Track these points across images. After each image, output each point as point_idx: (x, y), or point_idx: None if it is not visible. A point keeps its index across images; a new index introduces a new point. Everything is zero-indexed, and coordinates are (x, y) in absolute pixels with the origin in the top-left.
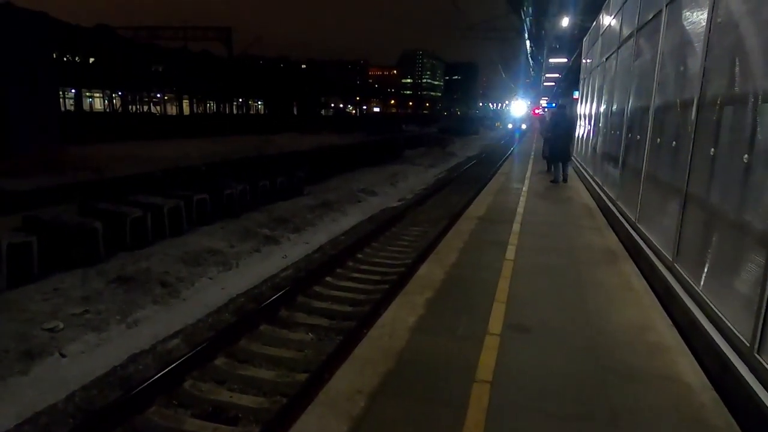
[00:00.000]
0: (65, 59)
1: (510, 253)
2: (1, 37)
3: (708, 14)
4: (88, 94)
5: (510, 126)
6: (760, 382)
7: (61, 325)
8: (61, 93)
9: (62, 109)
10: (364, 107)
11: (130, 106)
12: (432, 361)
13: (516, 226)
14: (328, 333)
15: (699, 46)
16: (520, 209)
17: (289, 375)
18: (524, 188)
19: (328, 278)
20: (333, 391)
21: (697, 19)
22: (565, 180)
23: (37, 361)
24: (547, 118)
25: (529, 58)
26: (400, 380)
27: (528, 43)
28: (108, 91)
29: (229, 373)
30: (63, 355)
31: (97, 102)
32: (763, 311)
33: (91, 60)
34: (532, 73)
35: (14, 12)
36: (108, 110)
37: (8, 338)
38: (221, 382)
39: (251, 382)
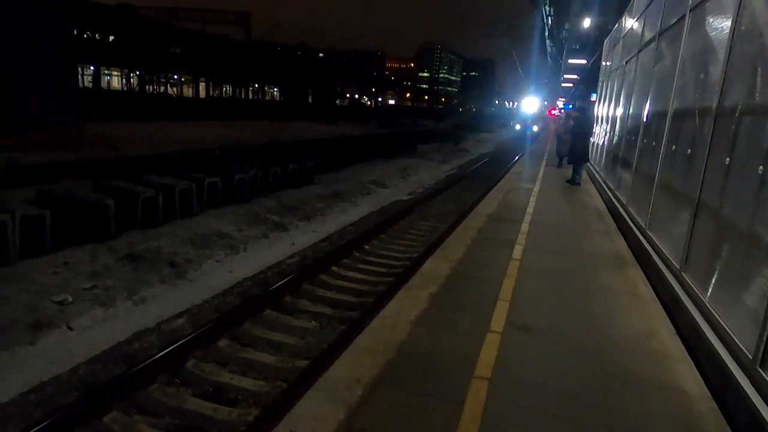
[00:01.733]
0: (85, 36)
1: (517, 252)
2: (21, 12)
3: (732, 22)
4: (106, 71)
5: (518, 127)
6: (761, 395)
7: (70, 299)
8: (79, 69)
9: (80, 85)
10: (380, 99)
11: (147, 86)
12: (432, 355)
13: (525, 226)
14: (331, 322)
15: (721, 53)
16: (529, 209)
17: (291, 361)
18: (535, 188)
19: (334, 267)
20: (332, 379)
21: (720, 26)
22: (578, 183)
23: (45, 333)
24: (563, 120)
25: (548, 57)
26: (399, 372)
27: (548, 42)
28: (126, 70)
29: (232, 355)
30: (70, 328)
31: (114, 80)
32: None
33: (111, 38)
34: (549, 60)
35: None
36: (125, 89)
37: (18, 309)
38: (223, 364)
39: (253, 366)
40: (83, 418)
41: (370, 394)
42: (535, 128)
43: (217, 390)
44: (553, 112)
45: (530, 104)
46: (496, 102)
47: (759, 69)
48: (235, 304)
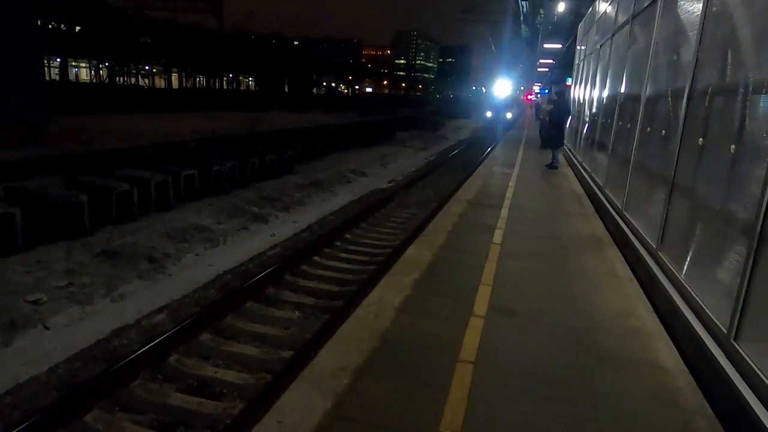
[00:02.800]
0: (51, 26)
1: (497, 237)
2: None
3: (702, 4)
4: (74, 63)
5: (489, 114)
6: (735, 368)
7: (45, 298)
8: (45, 62)
9: (47, 78)
10: (357, 87)
11: (117, 78)
12: (416, 341)
13: (504, 211)
14: (314, 312)
15: (692, 36)
16: (509, 194)
17: (275, 352)
18: (514, 173)
19: (315, 257)
20: (318, 369)
21: (691, 8)
22: (556, 167)
23: (20, 333)
24: (544, 105)
25: (524, 42)
26: (385, 359)
27: (523, 27)
28: (95, 62)
29: (215, 349)
30: (46, 328)
31: (83, 72)
32: (741, 299)
33: (77, 28)
34: (524, 45)
35: None
36: (95, 81)
37: None
38: (206, 358)
39: (236, 359)
40: (64, 418)
41: (356, 383)
42: (509, 115)
43: (201, 384)
44: (529, 97)
45: (503, 88)
46: (473, 88)
47: (729, 51)
48: (217, 297)
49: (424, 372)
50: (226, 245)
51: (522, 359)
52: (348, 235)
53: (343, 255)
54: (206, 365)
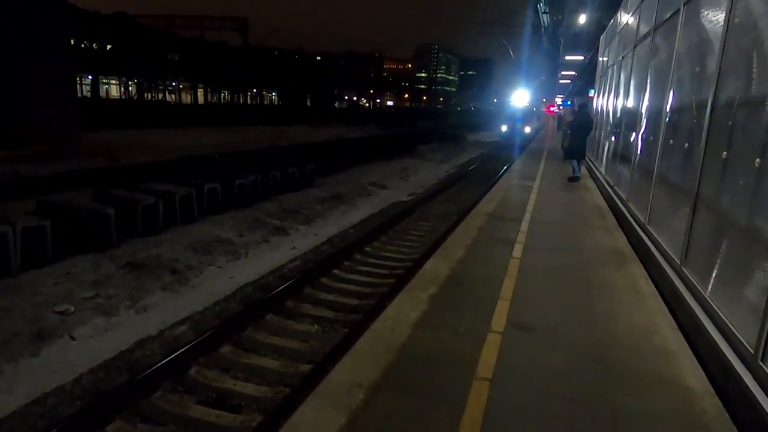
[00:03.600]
0: (83, 45)
1: (517, 251)
2: (20, 24)
3: (726, 14)
4: (104, 80)
5: (504, 128)
6: (763, 390)
7: (72, 309)
8: (78, 79)
9: (78, 95)
10: (378, 100)
11: (145, 94)
12: (433, 357)
13: (525, 225)
14: (333, 325)
15: (715, 46)
16: (529, 207)
17: (293, 365)
18: (535, 185)
19: (335, 270)
20: (334, 383)
21: (714, 18)
22: (577, 178)
23: (48, 343)
24: (566, 116)
25: (545, 54)
26: (400, 375)
27: (544, 39)
28: (124, 78)
29: (235, 361)
30: (73, 338)
31: (113, 89)
32: None
33: (109, 47)
34: (545, 57)
35: None
36: (124, 97)
37: (21, 320)
38: (226, 370)
39: (255, 371)
40: (87, 428)
41: (371, 398)
42: (528, 129)
43: (221, 396)
44: (551, 109)
45: (519, 98)
46: (495, 100)
47: (754, 61)
48: (237, 309)
49: (440, 389)
50: (247, 258)
51: (540, 377)
52: (368, 248)
53: (363, 268)
54: (226, 377)
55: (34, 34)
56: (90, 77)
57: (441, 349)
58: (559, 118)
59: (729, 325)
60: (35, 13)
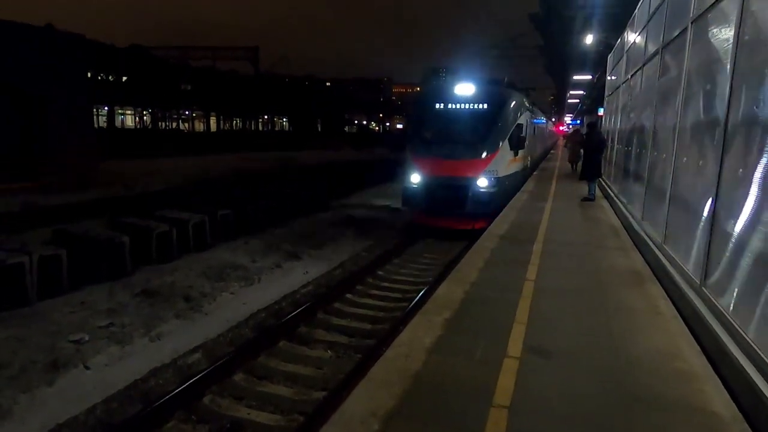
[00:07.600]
0: (99, 77)
1: (531, 272)
2: (41, 58)
3: (734, 31)
4: (120, 111)
5: None
6: None
7: (87, 338)
8: (94, 110)
9: (95, 126)
10: (387, 124)
11: (159, 123)
12: (448, 384)
13: (538, 246)
14: (347, 351)
15: (726, 64)
16: (542, 227)
17: (307, 393)
18: (547, 206)
19: (348, 295)
20: (348, 413)
21: (723, 36)
22: (592, 198)
23: (62, 373)
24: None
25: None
26: (416, 403)
27: (551, 60)
28: (139, 109)
29: (248, 389)
30: (87, 368)
31: (128, 119)
32: None
33: (124, 78)
34: (553, 78)
35: (54, 35)
36: (138, 127)
37: (36, 349)
38: (240, 399)
39: (269, 399)
40: None
41: (386, 428)
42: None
43: (234, 425)
44: (560, 128)
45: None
46: None
47: (765, 78)
48: (250, 336)
49: (457, 417)
50: (260, 283)
51: (559, 403)
52: (380, 272)
53: (375, 292)
54: (239, 406)
55: (58, 67)
56: (106, 108)
57: (457, 375)
58: (567, 136)
59: (754, 347)
60: (61, 49)
